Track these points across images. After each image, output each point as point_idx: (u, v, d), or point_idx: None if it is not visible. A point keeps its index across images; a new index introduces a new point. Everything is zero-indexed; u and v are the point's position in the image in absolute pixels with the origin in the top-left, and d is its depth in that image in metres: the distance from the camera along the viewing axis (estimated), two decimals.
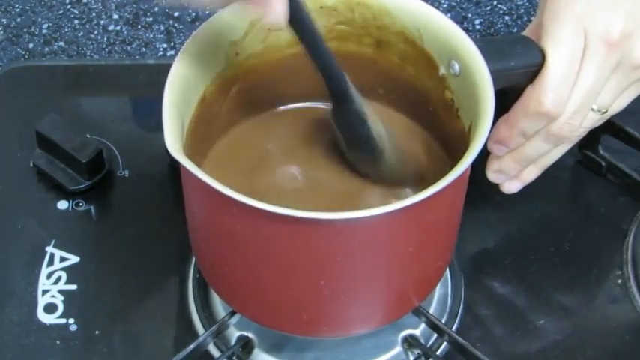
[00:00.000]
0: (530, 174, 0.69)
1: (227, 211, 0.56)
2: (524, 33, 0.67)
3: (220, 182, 0.55)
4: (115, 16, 0.98)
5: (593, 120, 0.66)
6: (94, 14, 0.98)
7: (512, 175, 0.69)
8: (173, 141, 0.56)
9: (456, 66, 0.63)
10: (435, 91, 0.66)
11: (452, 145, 0.66)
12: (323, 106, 0.69)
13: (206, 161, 0.66)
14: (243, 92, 0.67)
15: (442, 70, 0.64)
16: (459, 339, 0.67)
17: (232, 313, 0.67)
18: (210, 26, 0.62)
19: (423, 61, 0.65)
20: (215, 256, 0.63)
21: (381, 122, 0.65)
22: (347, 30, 0.66)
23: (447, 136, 0.67)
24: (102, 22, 0.97)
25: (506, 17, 1.00)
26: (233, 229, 0.58)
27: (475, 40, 0.62)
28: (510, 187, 0.70)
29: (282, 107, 0.70)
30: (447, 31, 0.63)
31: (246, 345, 0.69)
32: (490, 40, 0.64)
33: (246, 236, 0.58)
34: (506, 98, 0.64)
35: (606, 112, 0.66)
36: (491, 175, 0.69)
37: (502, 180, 0.69)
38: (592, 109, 0.65)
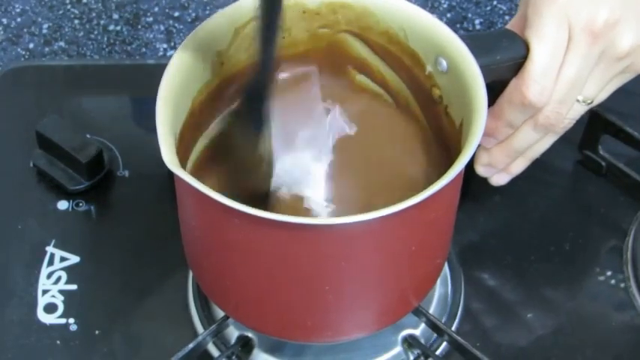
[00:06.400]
0: (518, 166, 0.70)
1: (229, 222, 0.56)
2: (508, 26, 0.67)
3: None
4: (115, 16, 0.98)
5: (578, 111, 0.67)
6: (94, 14, 0.98)
7: (501, 168, 0.69)
8: (170, 156, 0.56)
9: (444, 63, 0.62)
10: (422, 89, 0.65)
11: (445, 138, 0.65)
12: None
13: (196, 172, 0.66)
14: (229, 101, 0.66)
15: (429, 68, 0.64)
16: (459, 339, 0.67)
17: None
18: (195, 38, 0.62)
19: (409, 60, 0.65)
20: (216, 269, 0.62)
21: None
22: (330, 33, 0.66)
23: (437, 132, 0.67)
24: (102, 22, 0.97)
25: (507, 17, 1.00)
26: (235, 241, 0.57)
27: (461, 37, 0.62)
28: (499, 179, 0.70)
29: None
30: (432, 29, 0.63)
31: (245, 345, 0.69)
32: (475, 36, 0.64)
33: (249, 247, 0.58)
34: (493, 92, 0.64)
35: (591, 102, 0.67)
36: (480, 169, 0.70)
37: (491, 173, 0.70)
38: (577, 100, 0.65)
